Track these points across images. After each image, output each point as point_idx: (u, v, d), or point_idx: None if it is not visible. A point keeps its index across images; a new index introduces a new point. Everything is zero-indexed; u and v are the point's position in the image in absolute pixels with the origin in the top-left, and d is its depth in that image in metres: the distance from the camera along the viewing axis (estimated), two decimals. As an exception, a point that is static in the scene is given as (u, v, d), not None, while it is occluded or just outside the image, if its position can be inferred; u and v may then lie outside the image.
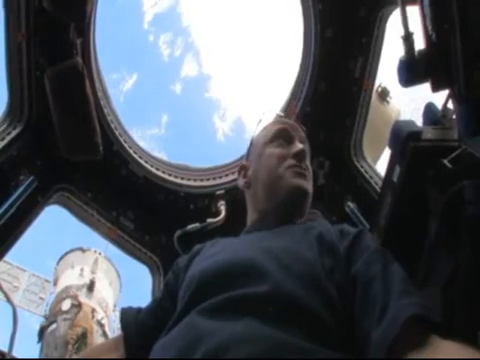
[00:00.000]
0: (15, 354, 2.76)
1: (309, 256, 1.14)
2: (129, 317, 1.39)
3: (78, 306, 16.39)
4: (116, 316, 18.01)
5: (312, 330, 0.96)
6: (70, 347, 14.88)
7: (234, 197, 3.56)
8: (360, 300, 1.03)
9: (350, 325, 1.02)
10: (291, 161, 1.44)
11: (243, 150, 3.94)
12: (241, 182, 1.59)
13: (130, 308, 1.44)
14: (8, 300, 3.20)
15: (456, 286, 1.31)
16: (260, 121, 1.76)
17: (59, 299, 17.02)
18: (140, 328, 1.34)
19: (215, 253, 1.30)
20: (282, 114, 1.70)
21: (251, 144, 1.66)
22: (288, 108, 3.84)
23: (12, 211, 2.96)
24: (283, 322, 0.96)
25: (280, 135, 1.53)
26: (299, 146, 1.47)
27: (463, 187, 1.40)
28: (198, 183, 3.91)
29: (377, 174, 3.42)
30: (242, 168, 1.62)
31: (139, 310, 1.41)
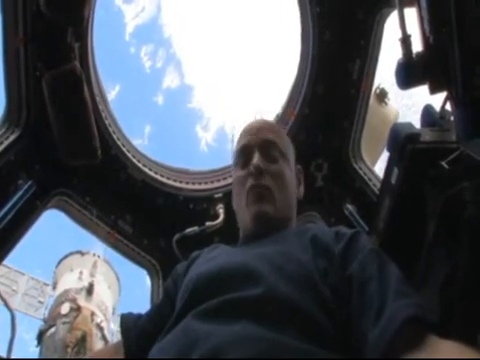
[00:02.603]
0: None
1: (303, 258, 1.15)
2: (129, 323, 1.40)
3: (77, 309, 16.37)
4: (115, 319, 18.00)
5: (307, 332, 0.96)
6: (69, 351, 14.86)
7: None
8: (356, 301, 1.04)
9: (346, 326, 1.02)
10: (250, 182, 1.44)
11: (226, 160, 3.99)
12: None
13: (130, 314, 1.45)
14: (6, 306, 3.19)
15: (454, 287, 1.31)
16: (233, 137, 1.79)
17: (58, 303, 17.00)
18: (140, 333, 1.35)
19: (211, 258, 1.32)
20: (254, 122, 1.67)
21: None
22: (286, 110, 3.84)
23: (11, 215, 2.95)
24: (278, 324, 0.96)
25: (242, 154, 1.53)
26: (254, 162, 1.45)
27: (463, 188, 1.40)
28: (196, 186, 3.91)
29: (376, 176, 3.42)
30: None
31: (139, 316, 1.43)
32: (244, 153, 1.52)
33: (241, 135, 1.60)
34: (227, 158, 3.59)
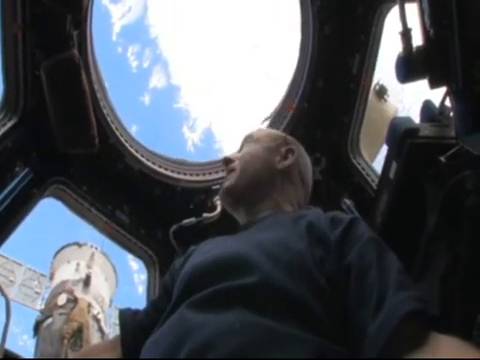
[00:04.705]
0: (8, 347, 2.76)
1: (298, 246, 1.13)
2: (127, 318, 1.41)
3: (74, 301, 16.40)
4: (112, 311, 18.06)
5: (302, 320, 0.95)
6: (66, 342, 14.89)
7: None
8: (355, 291, 1.02)
9: (343, 315, 1.00)
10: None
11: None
12: None
13: (128, 309, 1.46)
14: (1, 292, 3.19)
15: (455, 277, 1.31)
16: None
17: (55, 294, 17.03)
18: (137, 328, 1.36)
19: (207, 250, 1.31)
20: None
21: None
22: (285, 104, 3.83)
23: (7, 203, 2.94)
24: (272, 312, 0.95)
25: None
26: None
27: (464, 177, 1.40)
28: (194, 178, 3.90)
29: (374, 171, 3.42)
30: None
31: (137, 311, 1.44)
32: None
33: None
34: (214, 158, 3.72)
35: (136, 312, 1.43)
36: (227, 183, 1.52)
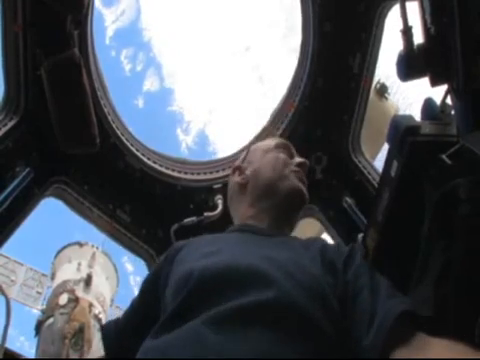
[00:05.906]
0: (8, 346, 2.76)
1: (314, 271, 1.15)
2: (110, 328, 1.43)
3: (75, 300, 16.37)
4: (113, 311, 18.06)
5: (320, 347, 0.96)
6: (67, 342, 14.88)
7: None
8: (350, 311, 1.04)
9: (347, 335, 1.02)
10: (295, 168, 1.58)
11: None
12: (237, 179, 1.64)
13: (109, 322, 1.48)
14: (1, 292, 3.18)
15: (448, 284, 1.31)
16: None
17: (56, 293, 17.01)
18: (119, 334, 1.38)
19: (211, 253, 1.24)
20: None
21: (249, 150, 1.76)
22: (286, 103, 3.83)
23: (8, 203, 2.94)
24: (292, 333, 0.95)
25: (282, 147, 1.68)
26: (302, 159, 1.63)
27: (457, 185, 1.39)
28: (195, 177, 3.90)
29: (375, 170, 3.42)
30: (237, 169, 1.68)
31: (117, 319, 1.46)
32: (285, 147, 1.69)
33: (269, 140, 1.78)
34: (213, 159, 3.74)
35: (116, 321, 1.44)
36: (306, 192, 1.56)
